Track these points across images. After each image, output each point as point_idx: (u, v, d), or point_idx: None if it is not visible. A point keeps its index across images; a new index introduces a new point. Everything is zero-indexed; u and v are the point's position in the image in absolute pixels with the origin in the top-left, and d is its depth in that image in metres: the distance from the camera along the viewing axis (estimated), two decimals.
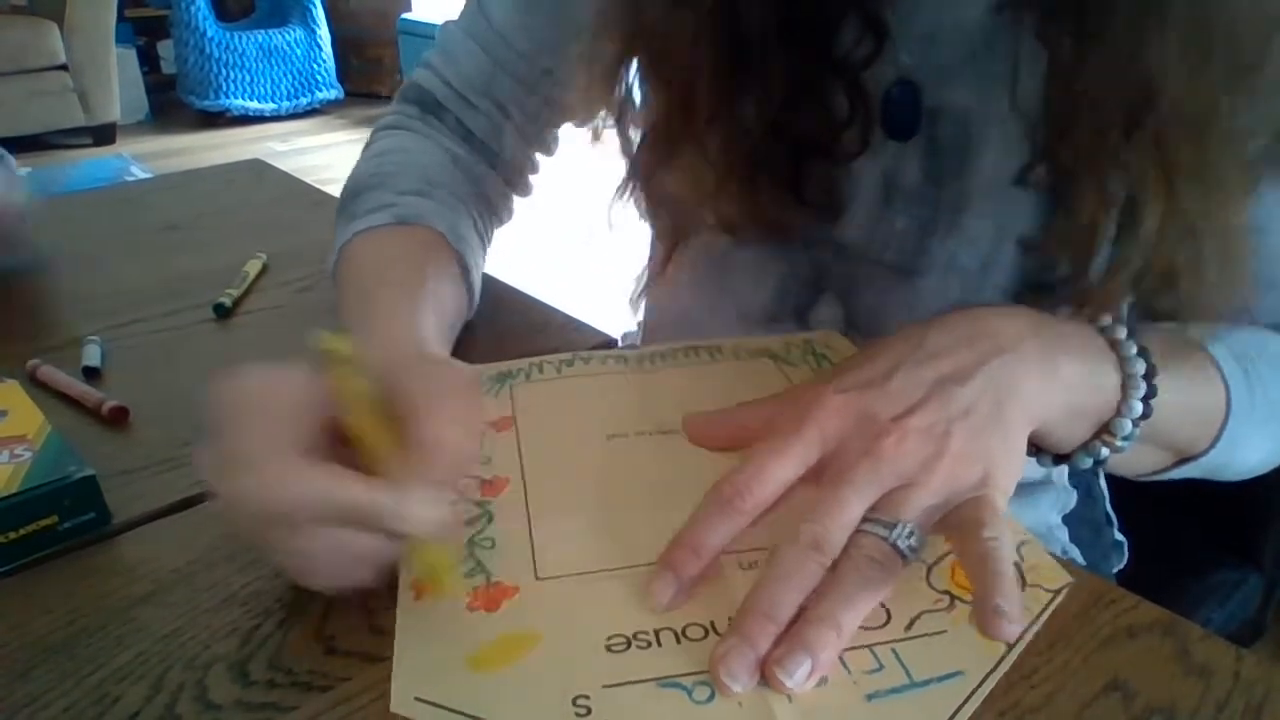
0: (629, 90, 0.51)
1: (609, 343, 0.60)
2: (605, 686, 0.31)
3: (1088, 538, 0.67)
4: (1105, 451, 0.41)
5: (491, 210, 0.65)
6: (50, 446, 0.42)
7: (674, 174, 0.49)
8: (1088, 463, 0.42)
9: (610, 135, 0.53)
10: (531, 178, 0.68)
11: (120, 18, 3.77)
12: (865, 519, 0.34)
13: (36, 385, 0.53)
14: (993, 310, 0.41)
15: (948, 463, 0.34)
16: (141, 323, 0.62)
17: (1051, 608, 0.34)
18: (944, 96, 0.48)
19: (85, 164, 3.52)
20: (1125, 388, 0.40)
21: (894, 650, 0.33)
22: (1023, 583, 0.35)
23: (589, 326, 0.63)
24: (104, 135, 3.80)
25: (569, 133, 0.67)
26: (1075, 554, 0.64)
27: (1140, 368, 0.40)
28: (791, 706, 0.31)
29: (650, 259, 0.64)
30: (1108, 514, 0.69)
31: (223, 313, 0.63)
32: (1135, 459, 0.46)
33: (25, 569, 0.39)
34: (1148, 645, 0.35)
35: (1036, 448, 0.43)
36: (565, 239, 2.73)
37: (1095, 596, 0.37)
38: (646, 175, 0.51)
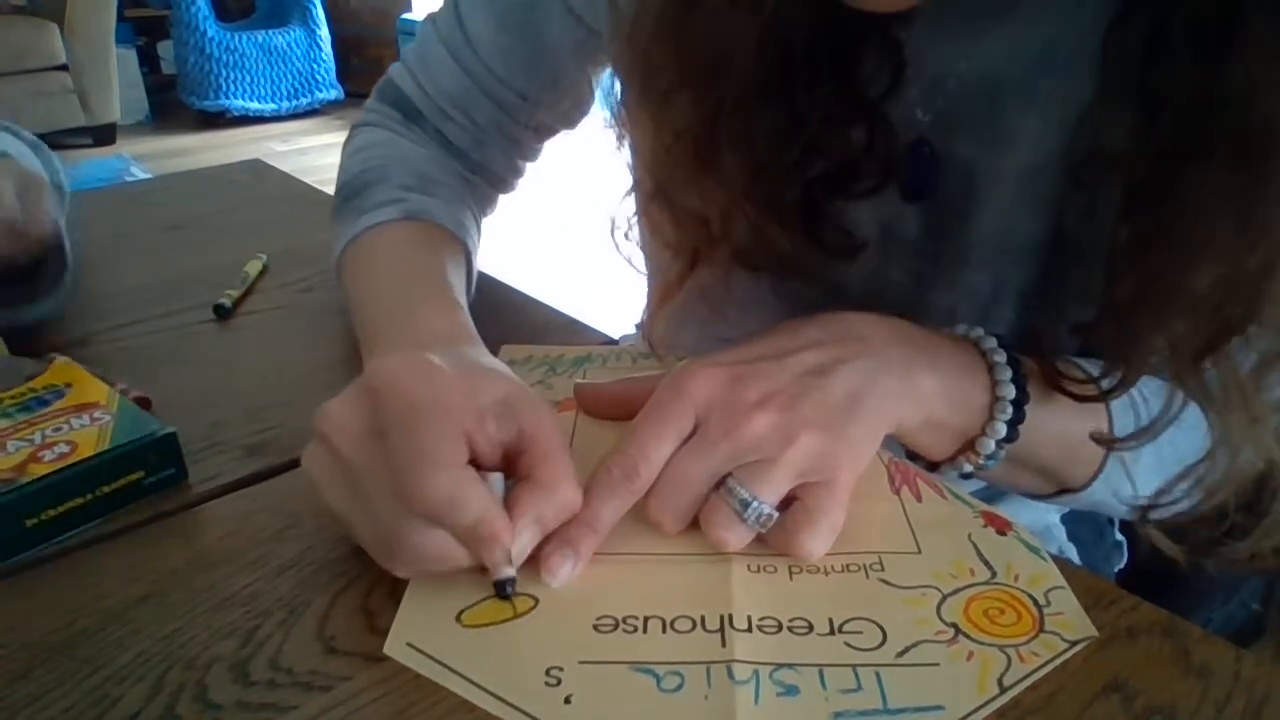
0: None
1: (608, 344, 0.60)
2: (581, 663, 0.33)
3: (1089, 538, 0.67)
4: (968, 466, 0.43)
5: (481, 207, 0.65)
6: (125, 410, 0.44)
7: (696, 192, 0.47)
8: (953, 475, 0.44)
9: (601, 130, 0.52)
10: (516, 180, 0.67)
11: (120, 18, 3.77)
12: (727, 485, 0.37)
13: None
14: (866, 316, 0.42)
15: (800, 446, 0.37)
16: (141, 323, 0.62)
17: (1063, 658, 0.34)
18: (949, 148, 0.47)
19: (85, 164, 3.52)
20: (992, 409, 0.41)
21: (877, 674, 0.32)
22: (1040, 627, 0.35)
23: (589, 327, 0.63)
24: (104, 136, 3.81)
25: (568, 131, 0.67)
26: (1072, 553, 0.64)
27: (1010, 393, 0.41)
28: (755, 709, 0.31)
29: (652, 284, 0.63)
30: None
31: (223, 313, 0.63)
32: (1013, 479, 0.46)
33: (26, 569, 0.39)
34: (1148, 645, 0.35)
35: (913, 453, 0.44)
36: (565, 239, 2.73)
37: (1095, 597, 0.37)
38: (671, 189, 0.49)
